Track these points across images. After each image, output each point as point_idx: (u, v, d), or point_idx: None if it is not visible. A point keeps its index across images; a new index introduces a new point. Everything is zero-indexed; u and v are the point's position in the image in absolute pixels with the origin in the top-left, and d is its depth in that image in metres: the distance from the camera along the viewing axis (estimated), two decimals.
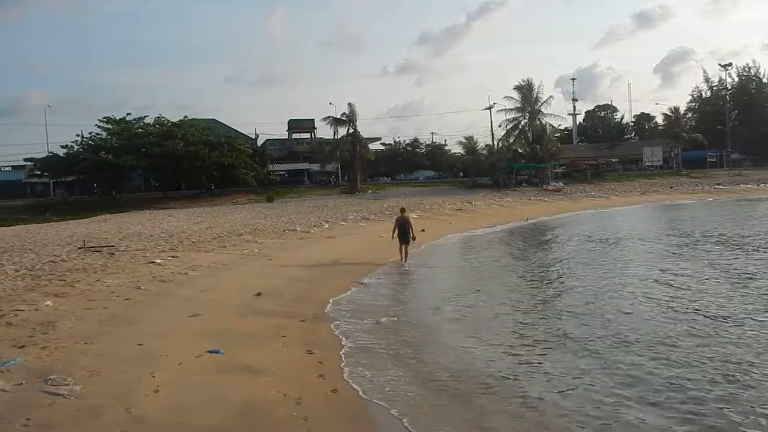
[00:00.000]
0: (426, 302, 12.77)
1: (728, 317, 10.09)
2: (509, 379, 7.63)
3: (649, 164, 75.41)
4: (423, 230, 23.72)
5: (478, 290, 13.91)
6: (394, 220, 19.42)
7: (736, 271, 14.79)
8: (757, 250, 18.18)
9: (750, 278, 13.60)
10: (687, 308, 10.91)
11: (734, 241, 21.00)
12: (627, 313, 10.77)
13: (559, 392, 7.06)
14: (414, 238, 18.61)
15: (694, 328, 9.53)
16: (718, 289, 12.67)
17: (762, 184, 56.94)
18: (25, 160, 61.57)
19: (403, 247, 18.22)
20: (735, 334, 9.07)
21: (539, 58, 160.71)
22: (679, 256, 18.28)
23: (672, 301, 11.56)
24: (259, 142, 71.97)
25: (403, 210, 20.10)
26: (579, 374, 7.67)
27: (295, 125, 79.03)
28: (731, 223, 27.63)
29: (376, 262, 17.77)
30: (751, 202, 43.34)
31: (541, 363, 8.22)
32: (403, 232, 18.27)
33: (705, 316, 10.28)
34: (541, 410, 6.60)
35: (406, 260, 18.09)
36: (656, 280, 14.01)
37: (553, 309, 11.72)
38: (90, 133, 58.79)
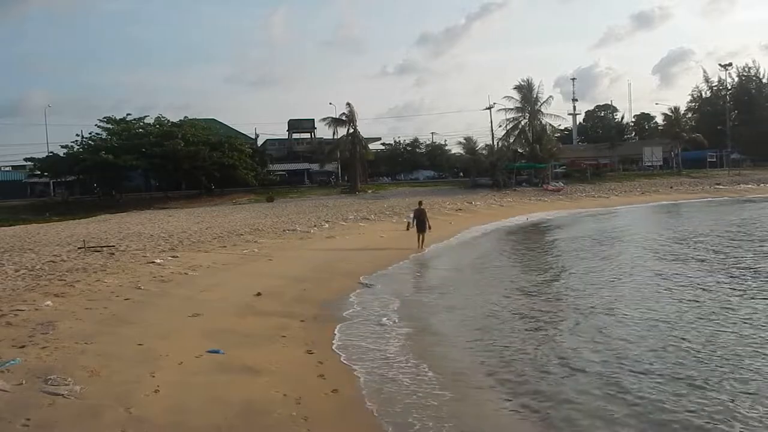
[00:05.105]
0: (428, 301, 12.75)
1: None
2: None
3: (649, 164, 75.40)
4: None
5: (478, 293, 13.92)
6: (412, 212, 22.45)
7: None
8: None
9: None
10: None
11: None
12: None
13: None
14: (429, 228, 20.95)
15: None
16: None
17: (762, 184, 56.94)
18: (26, 160, 61.60)
19: (421, 235, 20.66)
20: None
21: (539, 58, 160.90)
22: None
23: None
24: (259, 142, 71.97)
25: (420, 203, 22.68)
26: None
27: (295, 125, 78.98)
28: None
29: (377, 262, 17.75)
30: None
31: None
32: (420, 222, 20.81)
33: None
34: None
35: (422, 247, 20.35)
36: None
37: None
38: (90, 133, 58.85)
